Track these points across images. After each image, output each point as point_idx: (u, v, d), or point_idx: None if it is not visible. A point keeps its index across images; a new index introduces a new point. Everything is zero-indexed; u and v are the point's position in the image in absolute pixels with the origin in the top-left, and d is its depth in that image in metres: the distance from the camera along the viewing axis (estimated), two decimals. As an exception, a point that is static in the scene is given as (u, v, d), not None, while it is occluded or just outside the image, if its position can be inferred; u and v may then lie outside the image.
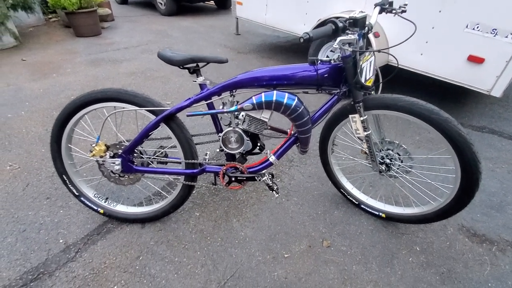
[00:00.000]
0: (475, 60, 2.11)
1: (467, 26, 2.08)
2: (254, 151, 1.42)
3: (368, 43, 2.50)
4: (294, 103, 1.20)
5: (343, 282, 1.31)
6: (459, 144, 1.13)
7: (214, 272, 1.35)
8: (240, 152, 1.38)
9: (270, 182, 1.37)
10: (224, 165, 1.43)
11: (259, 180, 1.39)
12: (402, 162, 1.39)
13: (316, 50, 2.89)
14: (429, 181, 1.37)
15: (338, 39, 0.96)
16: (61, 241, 1.48)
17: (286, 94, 1.20)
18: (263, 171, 1.42)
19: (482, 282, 1.32)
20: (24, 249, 1.42)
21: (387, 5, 1.28)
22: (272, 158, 1.39)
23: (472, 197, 1.21)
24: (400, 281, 1.32)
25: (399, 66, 2.57)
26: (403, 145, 1.37)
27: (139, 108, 1.29)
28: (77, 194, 1.52)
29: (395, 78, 3.32)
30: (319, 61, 1.23)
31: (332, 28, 0.96)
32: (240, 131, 1.32)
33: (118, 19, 6.14)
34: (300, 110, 1.21)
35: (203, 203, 1.72)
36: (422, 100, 1.18)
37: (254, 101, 1.22)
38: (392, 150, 1.40)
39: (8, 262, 1.36)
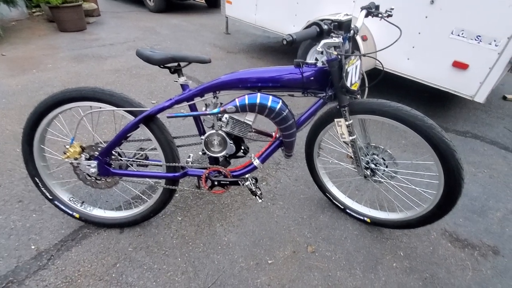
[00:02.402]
0: (459, 66, 2.14)
1: (452, 32, 2.10)
2: (238, 154, 1.38)
3: (356, 47, 2.50)
4: (278, 106, 1.16)
5: (327, 289, 1.29)
6: (443, 151, 1.12)
7: (195, 279, 1.30)
8: (223, 156, 1.33)
9: (253, 188, 1.33)
10: (207, 169, 1.38)
11: (242, 184, 1.35)
12: (387, 167, 1.38)
13: (304, 52, 2.88)
14: (413, 186, 1.36)
15: (322, 42, 0.94)
16: (32, 247, 1.40)
17: (270, 97, 1.17)
18: (247, 175, 1.38)
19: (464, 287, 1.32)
20: (-9, 256, 1.34)
21: (373, 9, 1.27)
22: (256, 162, 1.36)
23: (454, 204, 1.21)
24: (384, 287, 1.31)
25: (385, 70, 2.60)
26: (388, 150, 1.36)
27: (116, 109, 1.23)
28: (50, 197, 1.44)
29: (383, 82, 3.35)
30: (305, 64, 1.20)
31: (317, 31, 0.94)
32: (223, 134, 1.27)
33: (105, 15, 5.97)
34: (285, 113, 1.18)
35: (186, 206, 1.67)
36: (407, 106, 1.17)
37: (237, 104, 1.18)
38: (377, 155, 1.39)
39: (-28, 270, 1.27)
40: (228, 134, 1.29)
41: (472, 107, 3.02)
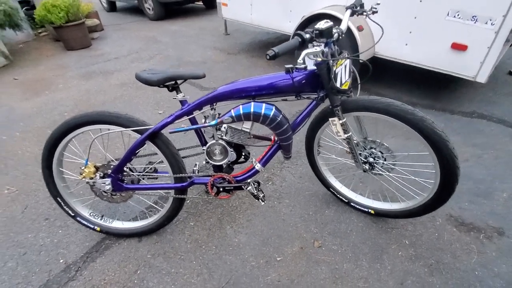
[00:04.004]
0: (458, 47, 2.11)
1: (448, 14, 2.08)
2: (240, 160, 1.45)
3: (352, 38, 2.50)
4: (272, 113, 1.22)
5: (334, 281, 1.35)
6: (435, 142, 1.15)
7: (210, 280, 1.39)
8: (225, 163, 1.41)
9: (255, 192, 1.40)
10: (211, 176, 1.46)
11: (246, 189, 1.42)
12: (385, 160, 1.42)
13: (301, 47, 2.89)
14: (412, 177, 1.40)
15: (303, 53, 0.98)
16: (61, 261, 1.53)
17: (264, 105, 1.23)
18: (249, 179, 1.45)
19: (469, 271, 1.35)
20: (25, 272, 1.47)
21: (358, 7, 1.30)
22: (257, 166, 1.42)
23: (452, 191, 1.24)
24: (390, 275, 1.36)
25: (385, 58, 2.59)
26: (384, 144, 1.39)
27: (124, 129, 1.32)
28: (72, 214, 1.56)
29: (385, 70, 3.32)
30: (295, 69, 1.25)
31: (299, 41, 0.98)
32: (223, 143, 1.35)
33: (108, 28, 6.13)
34: (279, 119, 1.24)
35: (197, 212, 1.77)
36: (397, 101, 1.20)
37: (233, 114, 1.24)
38: (375, 149, 1.43)
39: (10, 286, 1.41)
40: (228, 142, 1.36)
41: (479, 85, 2.96)
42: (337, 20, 2.42)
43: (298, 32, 0.97)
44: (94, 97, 3.26)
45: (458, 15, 2.03)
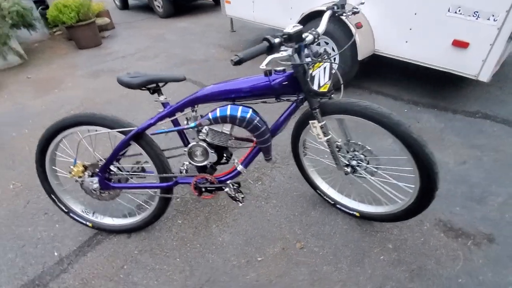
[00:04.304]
0: (459, 44, 2.02)
1: (449, 10, 1.99)
2: (222, 161, 1.47)
3: (349, 34, 2.44)
4: (248, 116, 1.23)
5: (312, 283, 1.35)
6: (412, 146, 1.12)
7: (191, 277, 1.43)
8: (207, 164, 1.43)
9: (232, 193, 1.42)
10: (194, 177, 1.49)
11: (224, 190, 1.44)
12: (368, 163, 1.39)
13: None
14: (394, 181, 1.37)
15: (268, 58, 0.98)
16: (55, 254, 1.62)
17: (240, 108, 1.24)
18: (229, 181, 1.46)
19: (452, 278, 1.32)
20: (22, 264, 1.57)
21: (339, 8, 1.27)
22: (239, 167, 1.44)
23: (432, 197, 1.21)
24: (369, 280, 1.35)
25: (385, 56, 2.51)
26: (367, 147, 1.37)
27: (109, 130, 1.37)
28: (66, 211, 1.64)
29: (386, 68, 3.22)
30: (274, 71, 1.24)
31: (267, 46, 0.98)
32: (204, 144, 1.37)
33: (119, 26, 6.28)
34: (256, 121, 1.24)
35: (186, 210, 1.81)
36: (375, 104, 1.17)
37: (210, 117, 1.26)
38: (358, 152, 1.41)
39: (7, 276, 1.50)
40: (209, 144, 1.38)
41: (485, 84, 2.81)
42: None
43: (266, 36, 0.97)
44: (100, 96, 3.36)
45: (459, 10, 1.93)
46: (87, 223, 1.66)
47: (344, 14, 1.25)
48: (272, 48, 0.98)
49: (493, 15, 1.82)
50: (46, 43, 5.48)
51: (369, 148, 1.37)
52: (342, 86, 1.40)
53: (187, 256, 1.53)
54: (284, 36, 1.00)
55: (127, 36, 5.59)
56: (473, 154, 1.99)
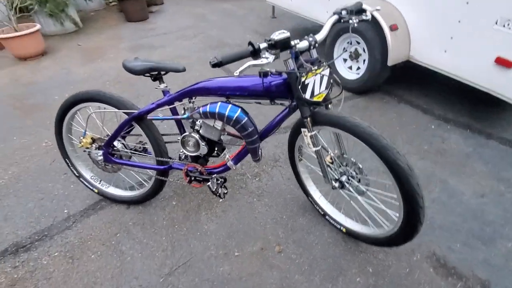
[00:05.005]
0: (503, 63, 1.76)
1: (496, 23, 1.72)
2: (213, 154, 1.50)
3: (383, 37, 2.25)
4: (236, 115, 1.23)
5: (279, 288, 1.37)
6: (397, 174, 1.05)
7: (171, 257, 1.53)
8: (198, 155, 1.48)
9: (214, 188, 1.45)
10: (187, 164, 1.55)
11: (212, 182, 1.48)
12: (359, 181, 1.33)
13: (332, 41, 2.72)
14: (381, 205, 1.28)
15: (246, 64, 0.95)
16: (65, 211, 1.82)
17: (229, 106, 1.24)
18: (215, 175, 1.50)
19: (427, 318, 1.24)
20: (38, 214, 1.80)
21: (348, 14, 1.18)
22: (229, 163, 1.46)
23: (415, 231, 1.13)
24: (337, 298, 1.32)
25: (419, 64, 2.29)
26: (359, 164, 1.30)
27: (114, 110, 1.47)
28: (77, 175, 1.82)
29: (422, 77, 2.93)
30: (271, 73, 1.22)
31: (251, 50, 0.95)
32: (196, 136, 1.41)
33: (168, 2, 6.46)
34: (243, 121, 1.24)
35: (183, 193, 1.90)
36: (365, 123, 1.10)
37: (201, 111, 1.29)
38: (350, 168, 1.34)
39: (24, 223, 1.74)
40: (202, 136, 1.42)
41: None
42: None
43: (250, 41, 0.94)
44: (135, 70, 3.55)
45: (508, 24, 1.67)
46: (94, 189, 1.83)
47: (351, 21, 1.16)
48: (255, 53, 0.95)
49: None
50: (101, 13, 5.87)
51: (361, 166, 1.30)
52: (342, 97, 1.33)
53: (172, 237, 1.63)
54: (270, 42, 0.96)
55: (172, 13, 5.75)
56: (496, 188, 1.77)
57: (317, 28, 4.45)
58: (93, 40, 4.54)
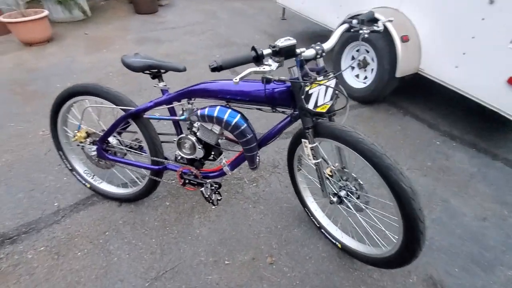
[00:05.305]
0: (516, 84, 1.70)
1: (511, 42, 1.66)
2: (210, 158, 1.45)
3: (392, 48, 2.19)
4: (234, 121, 1.18)
5: (268, 302, 1.32)
6: (399, 196, 0.99)
7: (159, 261, 1.48)
8: (193, 158, 1.43)
9: (207, 194, 1.40)
10: (182, 166, 1.50)
11: (198, 189, 1.43)
12: (358, 198, 1.27)
13: (341, 48, 2.66)
14: (380, 225, 1.23)
15: (247, 70, 0.90)
16: (55, 204, 1.78)
17: (229, 111, 1.19)
18: (210, 180, 1.45)
19: None
20: (27, 206, 1.75)
21: (359, 23, 1.12)
22: (225, 168, 1.42)
23: (414, 256, 1.08)
24: (327, 318, 1.27)
25: (429, 77, 2.23)
26: (360, 181, 1.24)
27: (110, 105, 1.43)
28: (70, 168, 1.78)
29: (429, 91, 2.87)
30: (274, 81, 1.17)
31: (253, 56, 0.90)
32: (193, 139, 1.36)
33: (179, -4, 6.41)
34: (242, 128, 1.19)
35: (177, 193, 1.85)
36: (369, 139, 1.05)
37: (199, 114, 1.24)
38: (350, 183, 1.29)
39: (12, 214, 1.70)
40: (198, 139, 1.37)
41: (553, 132, 2.38)
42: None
43: (254, 46, 0.89)
44: (139, 63, 3.51)
45: (525, 44, 1.61)
46: (86, 184, 1.78)
47: (361, 32, 1.10)
48: (258, 59, 0.90)
49: None
50: (111, 3, 5.82)
51: (361, 183, 1.25)
52: (347, 109, 1.27)
53: (162, 240, 1.58)
54: (274, 49, 0.91)
55: (182, 8, 5.70)
56: (499, 212, 1.71)
57: (327, 33, 4.40)
58: (101, 30, 4.50)
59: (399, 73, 2.22)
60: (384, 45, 2.24)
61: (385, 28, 2.13)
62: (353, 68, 2.71)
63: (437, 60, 2.14)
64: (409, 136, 2.36)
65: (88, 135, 1.58)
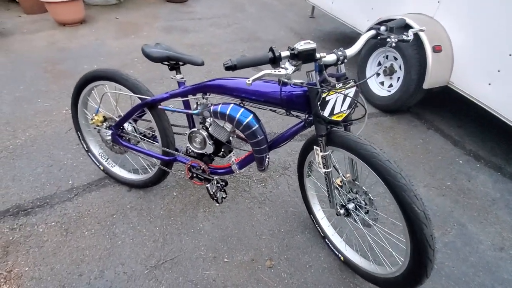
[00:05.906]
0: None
1: None
2: (219, 154, 1.45)
3: (423, 58, 2.07)
4: (246, 120, 1.17)
5: (262, 306, 1.30)
6: (410, 219, 0.94)
7: (160, 250, 1.50)
8: (203, 153, 1.43)
9: (212, 191, 1.40)
10: (191, 160, 1.51)
11: (212, 183, 1.43)
12: (367, 213, 1.22)
13: (368, 53, 2.56)
14: (386, 245, 1.17)
15: (262, 72, 0.87)
16: (70, 182, 1.85)
17: (242, 110, 1.18)
18: (217, 177, 1.44)
19: None
20: (44, 180, 1.83)
21: (387, 31, 1.06)
22: (233, 167, 1.41)
23: (419, 283, 1.03)
24: (320, 330, 1.24)
25: (459, 92, 2.10)
26: (370, 195, 1.19)
27: (128, 93, 1.45)
28: (86, 149, 1.83)
29: (459, 106, 2.70)
30: (291, 84, 1.13)
31: (270, 57, 0.87)
32: (204, 134, 1.36)
33: (210, -14, 6.42)
34: (254, 128, 1.18)
35: (185, 185, 1.87)
36: (385, 155, 0.99)
37: (212, 110, 1.23)
38: (360, 196, 1.24)
39: (30, 187, 1.78)
40: (210, 135, 1.36)
41: None
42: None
43: (272, 47, 0.86)
44: (164, 51, 3.56)
45: None
46: (100, 165, 1.84)
47: (388, 40, 1.04)
48: (274, 61, 0.87)
49: None
50: (144, -11, 5.92)
51: (372, 198, 1.19)
52: (365, 120, 1.22)
53: (166, 229, 1.61)
54: (292, 52, 0.88)
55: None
56: (507, 237, 1.60)
57: (355, 35, 4.26)
58: (131, 16, 4.59)
59: (426, 85, 2.11)
60: (413, 53, 2.13)
61: (417, 35, 2.02)
62: (378, 74, 2.60)
63: (469, 75, 2.00)
64: (430, 152, 2.24)
65: (105, 119, 1.62)
